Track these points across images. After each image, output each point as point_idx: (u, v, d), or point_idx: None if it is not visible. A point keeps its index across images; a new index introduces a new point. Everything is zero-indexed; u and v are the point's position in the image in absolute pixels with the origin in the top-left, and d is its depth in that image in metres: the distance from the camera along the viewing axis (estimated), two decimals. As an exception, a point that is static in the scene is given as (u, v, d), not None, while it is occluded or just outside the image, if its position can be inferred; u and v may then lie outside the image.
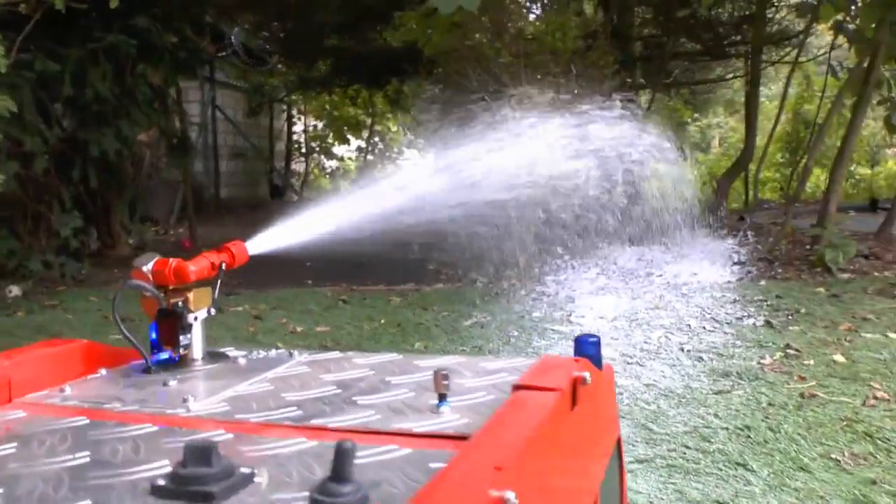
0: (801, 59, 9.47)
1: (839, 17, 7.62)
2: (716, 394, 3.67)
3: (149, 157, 10.30)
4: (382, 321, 5.57)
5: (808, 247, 7.58)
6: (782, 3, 10.68)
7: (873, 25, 7.25)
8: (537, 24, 8.05)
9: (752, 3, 10.47)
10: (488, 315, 5.60)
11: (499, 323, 5.36)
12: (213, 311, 1.29)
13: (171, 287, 1.25)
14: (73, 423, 1.01)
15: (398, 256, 7.35)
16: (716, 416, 3.37)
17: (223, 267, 1.32)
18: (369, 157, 20.69)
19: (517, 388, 0.92)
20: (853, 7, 7.54)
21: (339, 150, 20.55)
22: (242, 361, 1.31)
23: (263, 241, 1.41)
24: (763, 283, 6.43)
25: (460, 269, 7.41)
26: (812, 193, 12.06)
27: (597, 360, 1.13)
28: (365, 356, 1.30)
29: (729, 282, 6.53)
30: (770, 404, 3.48)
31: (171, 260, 1.26)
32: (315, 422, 0.98)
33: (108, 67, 7.31)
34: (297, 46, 13.90)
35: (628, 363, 4.28)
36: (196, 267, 1.27)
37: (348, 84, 16.12)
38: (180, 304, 1.24)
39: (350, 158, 21.05)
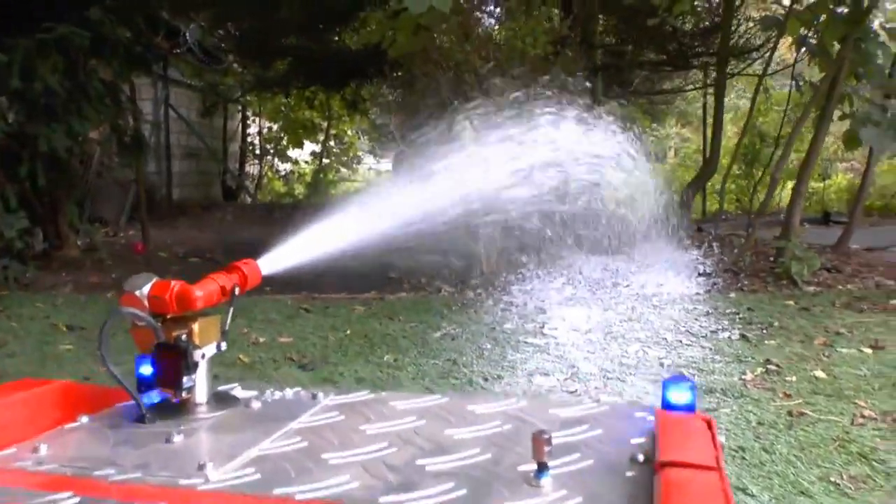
0: (767, 72, 9.53)
1: (802, 31, 7.67)
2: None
3: (98, 156, 9.88)
4: (348, 331, 5.36)
5: (771, 259, 7.61)
6: (744, 17, 10.79)
7: (836, 42, 7.32)
8: (506, 28, 7.91)
9: (716, 15, 10.54)
10: (457, 326, 5.44)
11: (469, 334, 5.20)
12: (223, 346, 1.08)
13: (169, 316, 1.04)
14: (58, 501, 0.78)
15: (356, 264, 7.11)
16: (706, 436, 3.26)
17: (236, 292, 1.10)
18: (325, 160, 20.36)
19: (664, 465, 0.75)
20: (815, 22, 7.59)
21: (293, 153, 20.18)
22: (256, 405, 1.09)
23: (275, 259, 1.20)
24: (732, 295, 6.40)
25: (423, 277, 7.24)
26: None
27: (690, 408, 1.00)
28: (404, 398, 1.09)
29: (698, 293, 6.49)
30: (759, 423, 3.39)
31: (172, 283, 1.04)
32: (384, 500, 0.77)
33: (58, 60, 6.92)
34: (254, 45, 13.54)
35: (608, 378, 4.16)
36: (203, 292, 1.05)
37: (305, 85, 15.76)
38: (183, 337, 1.02)
39: (305, 162, 20.69)
